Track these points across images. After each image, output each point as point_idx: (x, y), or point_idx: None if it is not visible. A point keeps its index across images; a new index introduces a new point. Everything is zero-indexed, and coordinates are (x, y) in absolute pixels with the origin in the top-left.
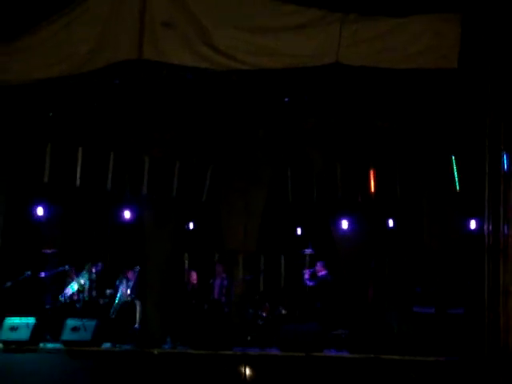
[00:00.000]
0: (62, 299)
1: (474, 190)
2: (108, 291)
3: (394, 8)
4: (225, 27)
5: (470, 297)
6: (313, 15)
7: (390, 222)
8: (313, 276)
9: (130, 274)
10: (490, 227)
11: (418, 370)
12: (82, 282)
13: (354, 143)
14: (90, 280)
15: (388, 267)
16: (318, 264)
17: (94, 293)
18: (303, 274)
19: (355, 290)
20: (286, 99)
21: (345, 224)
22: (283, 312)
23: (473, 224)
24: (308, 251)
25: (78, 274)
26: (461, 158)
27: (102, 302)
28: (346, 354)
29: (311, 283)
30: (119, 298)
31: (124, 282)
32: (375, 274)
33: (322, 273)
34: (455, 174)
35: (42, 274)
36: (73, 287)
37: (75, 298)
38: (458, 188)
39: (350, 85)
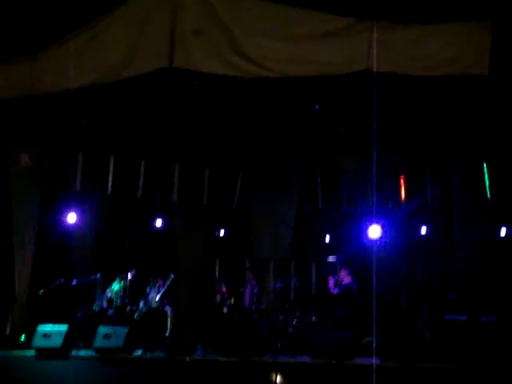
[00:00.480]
0: (96, 308)
1: (505, 196)
2: (143, 298)
3: (424, 15)
4: (254, 36)
5: (503, 305)
6: (342, 23)
7: (422, 229)
8: (337, 284)
9: (161, 281)
10: None
11: (450, 378)
12: (116, 289)
13: (384, 150)
14: (123, 288)
15: (420, 274)
16: (342, 272)
17: (126, 300)
18: (327, 282)
19: (387, 298)
20: (317, 107)
21: (376, 231)
22: (314, 319)
23: (505, 231)
24: (332, 258)
25: (110, 283)
26: (492, 165)
27: (133, 309)
28: (377, 362)
29: (335, 291)
30: (147, 304)
31: (154, 288)
32: (407, 281)
33: (347, 281)
34: (486, 180)
35: (74, 282)
36: (107, 295)
37: (108, 305)
38: (489, 195)
39: (380, 92)
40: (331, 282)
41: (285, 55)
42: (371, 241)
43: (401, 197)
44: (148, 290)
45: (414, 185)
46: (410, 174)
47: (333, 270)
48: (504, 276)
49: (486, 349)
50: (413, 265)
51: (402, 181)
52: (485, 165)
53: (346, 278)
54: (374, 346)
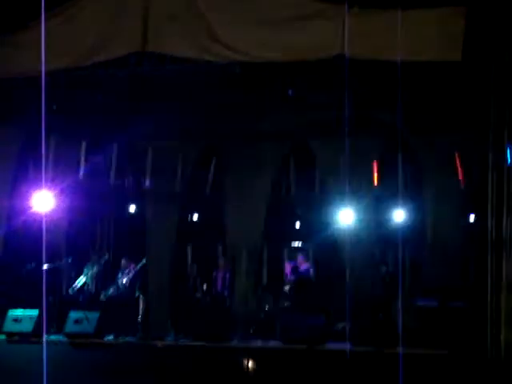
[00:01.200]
0: (71, 292)
1: (477, 183)
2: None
3: (397, 1)
4: (228, 20)
5: (473, 290)
6: (316, 7)
7: (393, 216)
8: (294, 270)
9: (132, 266)
10: (494, 221)
11: (421, 363)
12: (88, 274)
13: (357, 136)
14: (95, 273)
15: (392, 260)
16: (300, 257)
17: (97, 285)
18: (285, 268)
19: (359, 283)
20: (290, 91)
21: (348, 217)
22: (286, 305)
23: (476, 218)
24: (296, 244)
25: (82, 267)
26: (464, 152)
27: (105, 294)
28: (348, 347)
29: (292, 277)
30: (118, 289)
31: (125, 273)
32: (379, 266)
33: (304, 267)
34: (458, 168)
35: (45, 267)
36: (81, 280)
37: (79, 290)
38: (461, 182)
39: (353, 77)
40: (288, 268)
41: (258, 40)
42: (343, 226)
43: (373, 182)
44: (119, 274)
45: (387, 170)
46: (383, 159)
47: (290, 256)
48: (475, 263)
49: (455, 334)
50: (385, 250)
51: (375, 166)
52: (457, 151)
53: (303, 263)
54: (346, 331)
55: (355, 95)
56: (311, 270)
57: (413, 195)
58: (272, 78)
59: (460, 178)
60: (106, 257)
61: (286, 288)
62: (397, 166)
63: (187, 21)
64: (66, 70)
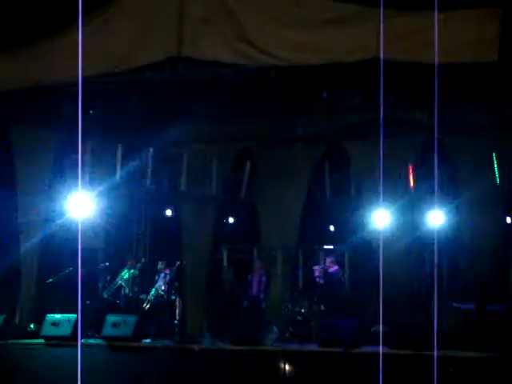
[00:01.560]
0: (105, 295)
1: None
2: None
3: (433, 2)
4: (262, 24)
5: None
6: (351, 10)
7: (430, 217)
8: (323, 273)
9: (168, 269)
10: None
11: (458, 365)
12: (125, 278)
13: (392, 138)
14: (132, 276)
15: (429, 262)
16: (328, 260)
17: (135, 289)
18: (314, 271)
19: (395, 286)
20: (324, 94)
21: (383, 219)
22: (322, 308)
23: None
24: (327, 247)
25: (119, 271)
26: (502, 152)
27: (142, 298)
28: (385, 350)
29: (321, 280)
30: (155, 293)
31: (162, 277)
32: (416, 269)
33: (332, 269)
34: (496, 168)
35: (83, 271)
36: (117, 283)
37: (117, 294)
38: (498, 183)
39: (388, 79)
40: (317, 271)
41: (292, 43)
42: (379, 228)
43: (409, 184)
44: (156, 278)
45: (423, 173)
46: (419, 161)
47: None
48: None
49: (493, 337)
50: (422, 253)
51: (410, 168)
52: (494, 153)
53: (331, 266)
54: (382, 334)
55: (390, 97)
56: (340, 272)
57: (450, 196)
58: (306, 80)
59: (497, 178)
60: (143, 260)
61: (316, 291)
62: (433, 167)
63: (222, 24)
64: (102, 75)
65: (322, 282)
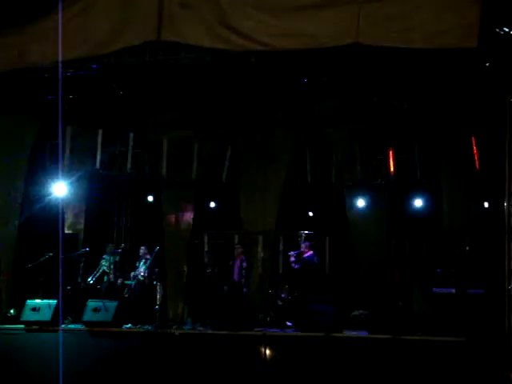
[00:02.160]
0: (89, 282)
1: (493, 169)
2: (132, 274)
3: None
4: (243, 8)
5: (490, 277)
6: None
7: (411, 203)
8: (298, 258)
9: (148, 255)
10: (510, 207)
11: (438, 350)
12: (105, 264)
13: (373, 124)
14: (113, 262)
15: (408, 248)
16: (303, 245)
17: (116, 274)
18: (289, 257)
19: (374, 271)
20: (305, 80)
21: (364, 205)
22: (299, 292)
23: (492, 204)
24: (304, 232)
25: (100, 257)
26: (480, 138)
27: (122, 283)
28: (365, 335)
29: (297, 266)
30: (136, 278)
31: (142, 262)
32: (395, 254)
33: (307, 254)
34: (475, 153)
35: (63, 256)
36: (98, 270)
37: (98, 279)
38: (477, 168)
39: (368, 65)
40: (292, 257)
41: (273, 28)
42: (357, 213)
43: (389, 170)
44: (137, 263)
45: (403, 158)
46: (399, 146)
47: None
48: (491, 249)
49: (473, 321)
50: (401, 238)
51: (390, 154)
52: (473, 137)
53: (306, 251)
54: (363, 318)
55: (370, 82)
56: (315, 258)
57: (429, 182)
58: (287, 66)
59: (476, 164)
60: (123, 245)
61: (293, 276)
62: (412, 152)
63: (201, 9)
64: (81, 60)
65: (296, 266)
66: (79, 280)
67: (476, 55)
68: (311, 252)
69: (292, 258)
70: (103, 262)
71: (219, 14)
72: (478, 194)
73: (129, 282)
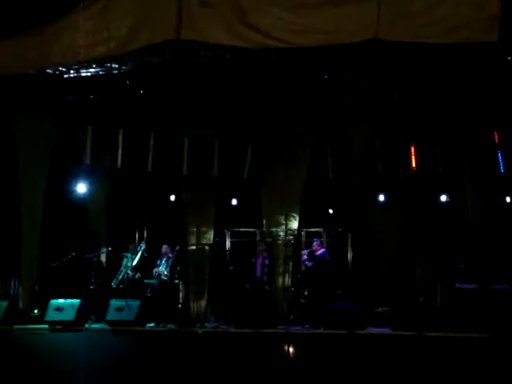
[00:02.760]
0: (113, 285)
1: None
2: (154, 271)
3: None
4: (262, 6)
5: None
6: None
7: (433, 198)
8: (310, 256)
9: (170, 254)
10: None
11: (462, 346)
12: (128, 263)
13: (394, 119)
14: (135, 261)
15: (431, 244)
16: (315, 243)
17: (138, 273)
18: (302, 255)
19: (396, 268)
20: (325, 76)
21: (385, 201)
22: (327, 291)
23: None
24: (321, 230)
25: (122, 256)
26: (504, 134)
27: (143, 282)
28: (389, 331)
29: (310, 263)
30: (158, 277)
31: (163, 261)
32: (417, 250)
33: (319, 252)
34: (498, 149)
35: (86, 256)
36: (122, 271)
37: (120, 278)
38: (501, 164)
39: (388, 60)
40: (304, 255)
41: (292, 25)
42: (381, 210)
43: (411, 166)
44: (158, 262)
45: (425, 153)
46: (421, 142)
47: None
48: None
49: (497, 317)
50: (424, 234)
51: (412, 149)
52: (496, 134)
53: (318, 249)
54: (386, 315)
55: (391, 78)
56: (327, 255)
57: (451, 177)
58: (306, 63)
59: (499, 160)
60: (144, 245)
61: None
62: (435, 148)
63: (220, 7)
64: (102, 60)
65: (310, 265)
66: (97, 281)
67: (498, 49)
68: (323, 250)
69: (304, 257)
70: (124, 263)
71: (238, 11)
72: (502, 189)
73: (151, 281)
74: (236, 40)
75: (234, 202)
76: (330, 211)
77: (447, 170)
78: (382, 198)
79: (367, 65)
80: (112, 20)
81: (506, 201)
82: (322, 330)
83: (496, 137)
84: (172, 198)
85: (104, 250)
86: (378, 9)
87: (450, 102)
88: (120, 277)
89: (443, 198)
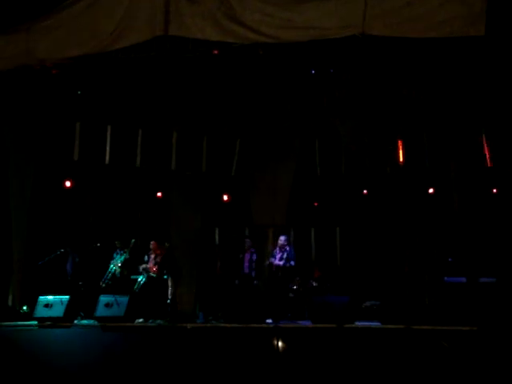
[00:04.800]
0: (102, 285)
1: (503, 157)
2: (141, 267)
3: None
4: (249, 1)
5: (501, 265)
6: None
7: (420, 192)
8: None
9: (158, 250)
10: None
11: (450, 339)
12: (117, 259)
13: (381, 114)
14: (123, 257)
15: (419, 237)
16: (282, 238)
17: (126, 270)
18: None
19: (386, 262)
20: (313, 71)
21: (373, 195)
22: (314, 285)
23: (502, 192)
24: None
25: (110, 252)
26: (491, 128)
27: (133, 278)
28: (377, 325)
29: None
30: (146, 272)
31: (151, 257)
32: (405, 244)
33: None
34: (484, 143)
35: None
36: (111, 269)
37: (109, 274)
38: (487, 158)
39: (376, 55)
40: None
41: (279, 20)
42: (369, 204)
43: (398, 160)
44: (146, 258)
45: (412, 148)
46: (408, 136)
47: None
48: (501, 236)
49: (485, 309)
50: (412, 228)
51: (399, 144)
52: (483, 128)
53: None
54: (375, 309)
55: (378, 72)
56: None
57: (438, 171)
58: (294, 58)
59: (486, 154)
60: (133, 241)
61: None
62: (422, 142)
63: (208, 3)
64: (88, 56)
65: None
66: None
67: (485, 44)
68: (289, 246)
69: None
70: (114, 264)
71: (226, 7)
72: (488, 183)
73: (139, 277)
74: (224, 36)
75: (223, 197)
76: (321, 206)
77: (434, 164)
78: (370, 192)
79: (354, 59)
80: (99, 17)
81: (492, 193)
82: (310, 324)
83: (483, 130)
84: (160, 193)
85: (93, 245)
86: (364, 4)
87: (438, 95)
88: (110, 276)
89: (431, 191)
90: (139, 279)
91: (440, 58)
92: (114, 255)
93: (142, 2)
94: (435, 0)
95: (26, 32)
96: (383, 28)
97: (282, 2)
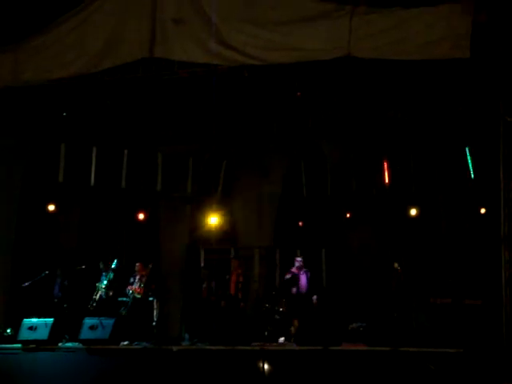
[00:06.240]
0: (90, 308)
1: (488, 178)
2: (127, 289)
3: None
4: (235, 22)
5: (487, 287)
6: (323, 8)
7: (406, 213)
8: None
9: (144, 271)
10: (506, 216)
11: (436, 361)
12: (103, 282)
13: (367, 135)
14: (109, 280)
15: (404, 259)
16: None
17: (111, 292)
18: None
19: (370, 283)
20: (299, 93)
21: (360, 216)
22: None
23: (487, 213)
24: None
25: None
26: (475, 148)
27: (117, 300)
28: (363, 347)
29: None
30: (130, 295)
31: (137, 278)
32: (392, 266)
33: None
34: (469, 163)
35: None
36: (97, 292)
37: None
38: (472, 177)
39: (361, 77)
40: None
41: (265, 42)
42: (355, 226)
43: (384, 181)
44: (131, 280)
45: (398, 169)
46: (393, 157)
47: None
48: (486, 258)
49: (471, 331)
50: (397, 249)
51: (385, 165)
52: (467, 148)
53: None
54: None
55: (363, 94)
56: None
57: (424, 192)
58: (280, 80)
59: (471, 174)
60: (116, 261)
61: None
62: (407, 163)
63: (193, 24)
64: (74, 77)
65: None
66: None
67: (469, 66)
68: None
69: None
70: (99, 287)
71: (211, 29)
72: (474, 204)
73: (124, 299)
74: (209, 57)
75: (209, 218)
76: (306, 227)
77: (420, 185)
78: (356, 214)
79: (341, 81)
80: (84, 38)
81: (479, 215)
82: (296, 347)
83: (468, 150)
84: (146, 214)
85: (77, 267)
86: (349, 26)
87: (423, 117)
88: (97, 297)
89: (416, 212)
90: (125, 301)
91: (425, 79)
92: (102, 278)
93: (129, 23)
94: (420, 23)
95: (14, 52)
96: (370, 50)
97: (267, 24)
